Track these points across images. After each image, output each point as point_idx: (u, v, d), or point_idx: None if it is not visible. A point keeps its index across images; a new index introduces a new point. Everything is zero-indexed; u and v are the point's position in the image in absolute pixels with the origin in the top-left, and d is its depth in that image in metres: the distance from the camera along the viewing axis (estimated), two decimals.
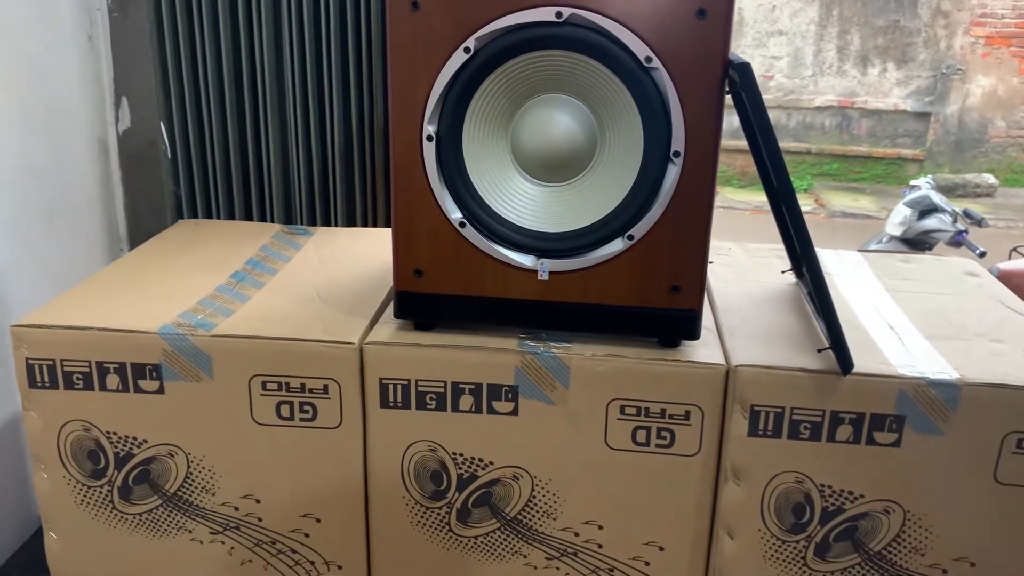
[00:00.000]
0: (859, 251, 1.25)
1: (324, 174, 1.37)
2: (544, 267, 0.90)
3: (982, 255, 3.06)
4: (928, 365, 0.88)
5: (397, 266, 0.92)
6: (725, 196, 6.03)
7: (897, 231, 3.34)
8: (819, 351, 0.90)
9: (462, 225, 0.89)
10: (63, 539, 1.00)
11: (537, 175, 0.90)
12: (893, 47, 6.31)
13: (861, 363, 0.86)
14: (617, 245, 0.88)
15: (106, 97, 1.48)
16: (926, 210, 3.29)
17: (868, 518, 0.90)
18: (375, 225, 1.38)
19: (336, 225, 1.38)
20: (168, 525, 0.98)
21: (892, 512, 0.89)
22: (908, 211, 3.34)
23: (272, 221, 1.40)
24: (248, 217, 1.41)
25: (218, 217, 1.41)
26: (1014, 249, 3.21)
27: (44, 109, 1.33)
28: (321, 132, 1.35)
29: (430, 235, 0.90)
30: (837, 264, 1.18)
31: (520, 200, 0.90)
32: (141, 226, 1.54)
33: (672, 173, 0.86)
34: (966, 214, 3.36)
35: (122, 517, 0.98)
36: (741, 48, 6.33)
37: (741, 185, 6.18)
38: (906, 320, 1.00)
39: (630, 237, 0.88)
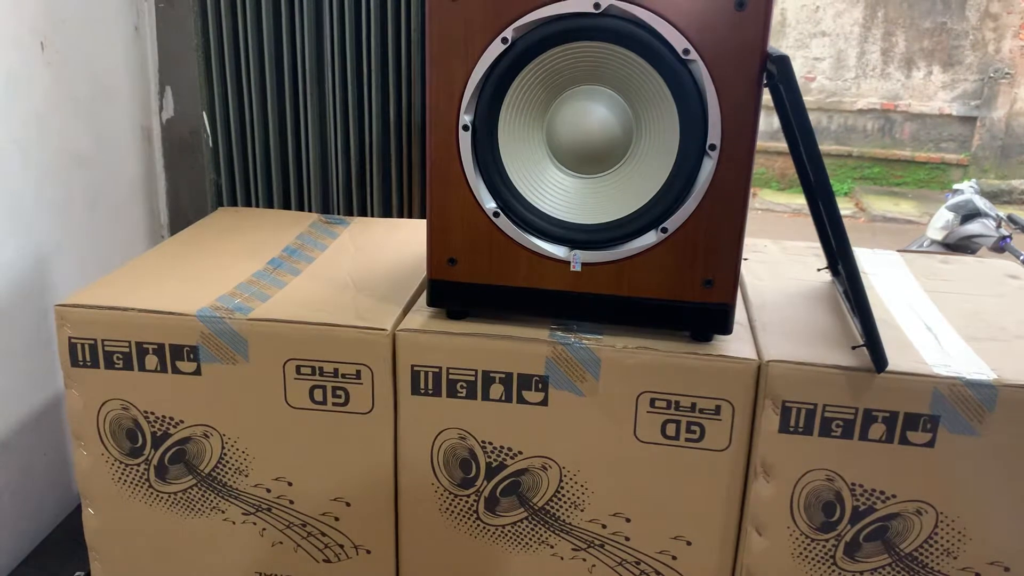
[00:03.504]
0: (899, 251, 1.23)
1: (361, 165, 1.38)
2: (577, 258, 0.90)
3: None
4: (965, 365, 0.87)
5: (431, 254, 0.93)
6: (764, 198, 5.97)
7: (939, 235, 3.29)
8: (853, 348, 0.89)
9: (496, 215, 0.90)
10: (101, 515, 1.02)
11: (572, 166, 0.90)
12: (939, 50, 6.20)
13: (896, 362, 0.85)
14: (651, 238, 0.88)
15: (151, 87, 1.51)
16: (969, 215, 3.23)
17: (900, 519, 0.89)
18: (411, 216, 1.40)
19: (372, 216, 1.40)
20: (202, 505, 1.00)
21: (924, 513, 0.88)
22: (950, 215, 3.28)
23: (310, 211, 1.42)
24: (286, 206, 1.43)
25: (257, 206, 1.43)
26: None
27: (90, 98, 1.36)
28: (359, 124, 1.37)
29: (464, 224, 0.91)
30: (874, 263, 1.17)
31: (554, 191, 0.91)
32: (182, 213, 1.57)
33: (708, 166, 0.85)
34: (1011, 219, 3.29)
35: (158, 495, 1.00)
36: (783, 49, 6.25)
37: (780, 188, 6.12)
38: (943, 320, 0.98)
39: (664, 230, 0.88)
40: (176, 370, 0.95)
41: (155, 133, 1.53)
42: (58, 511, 1.34)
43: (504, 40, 0.85)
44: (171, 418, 0.97)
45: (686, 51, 0.82)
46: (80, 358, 0.96)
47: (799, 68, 6.30)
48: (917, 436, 0.86)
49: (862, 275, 1.11)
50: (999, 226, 3.25)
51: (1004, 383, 0.84)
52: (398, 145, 1.37)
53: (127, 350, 0.95)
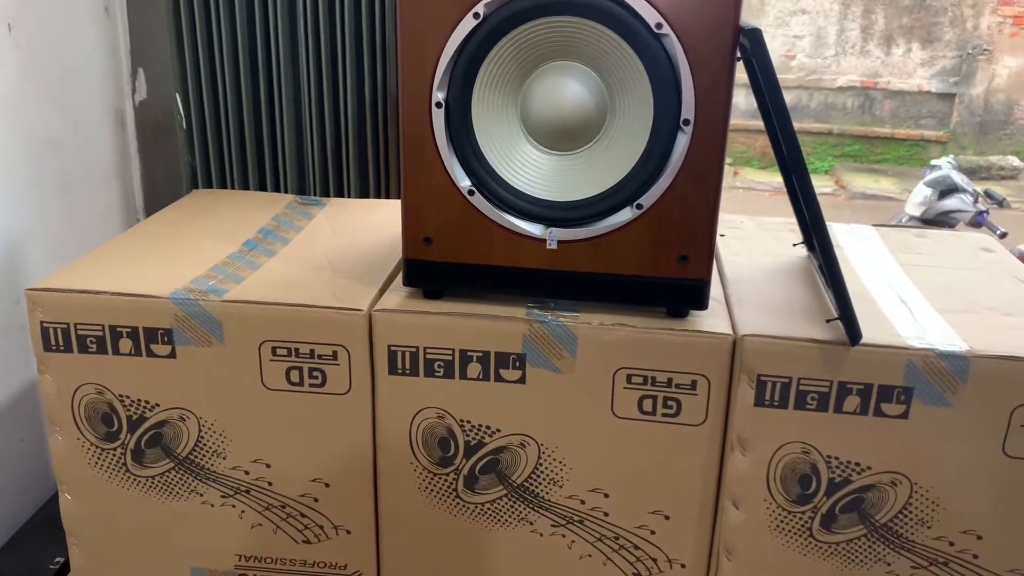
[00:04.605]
0: (875, 226, 1.24)
1: (337, 145, 1.37)
2: (553, 236, 0.90)
3: (1003, 236, 3.03)
4: (938, 337, 0.87)
5: (406, 234, 0.92)
6: (745, 177, 5.99)
7: (917, 211, 3.31)
8: (827, 321, 0.89)
9: (471, 193, 0.90)
10: (78, 500, 1.01)
11: (547, 143, 0.90)
12: (918, 27, 6.22)
13: (870, 334, 0.86)
14: (626, 214, 0.88)
15: (123, 68, 1.49)
16: (947, 190, 3.25)
17: (875, 490, 0.90)
18: (388, 196, 1.39)
19: (349, 196, 1.39)
20: (180, 488, 1.00)
21: (899, 484, 0.89)
22: (928, 191, 3.30)
23: (286, 192, 1.41)
24: (262, 187, 1.42)
25: (233, 187, 1.42)
26: None
27: (61, 80, 1.34)
28: (335, 103, 1.35)
29: (439, 203, 0.90)
30: (850, 238, 1.17)
31: (529, 168, 0.90)
32: (157, 196, 1.55)
33: (682, 142, 0.85)
34: (987, 195, 3.32)
35: (135, 479, 1.00)
36: (763, 27, 6.25)
37: (761, 166, 6.13)
38: (918, 293, 0.99)
39: (639, 206, 0.88)
40: (151, 353, 0.94)
41: (128, 115, 1.52)
42: (36, 497, 1.34)
43: (476, 15, 0.84)
44: (147, 402, 0.96)
45: (659, 25, 0.82)
46: (53, 343, 0.95)
47: (779, 46, 6.31)
48: (891, 408, 0.87)
49: (838, 250, 1.11)
50: (976, 201, 3.27)
51: (976, 354, 0.84)
52: (374, 124, 1.36)
53: (100, 334, 0.94)
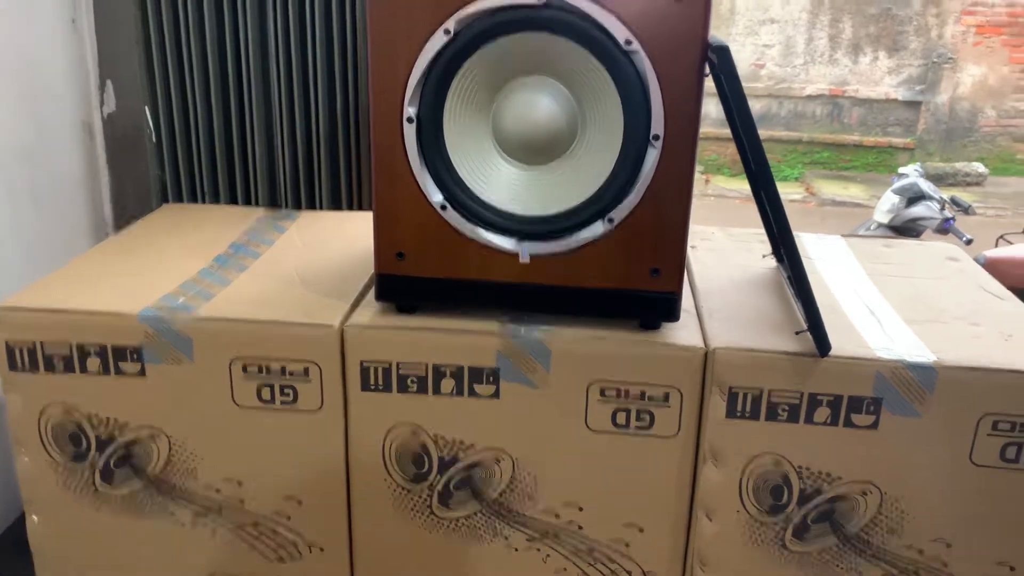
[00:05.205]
0: (844, 236, 1.25)
1: (309, 157, 1.37)
2: (525, 250, 0.90)
3: (969, 242, 3.08)
4: (906, 348, 0.89)
5: (378, 248, 0.92)
6: (716, 184, 6.04)
7: (885, 218, 3.35)
8: (797, 333, 0.90)
9: (443, 208, 0.89)
10: (45, 522, 1.00)
11: (518, 158, 0.90)
12: (885, 35, 6.31)
13: (839, 345, 0.87)
14: (598, 228, 0.89)
15: (91, 80, 1.47)
16: (914, 197, 3.30)
17: (846, 500, 0.90)
18: (360, 208, 1.38)
19: (321, 208, 1.38)
20: (151, 508, 0.98)
21: (869, 494, 0.90)
22: (896, 198, 3.35)
23: (257, 205, 1.40)
24: (233, 201, 1.41)
25: (203, 201, 1.40)
26: (1001, 236, 3.23)
27: (28, 92, 1.32)
28: (306, 115, 1.35)
29: (411, 218, 0.90)
30: (819, 248, 1.19)
31: (501, 183, 0.91)
32: (126, 210, 1.54)
33: (652, 156, 0.86)
34: (953, 202, 3.37)
35: (104, 500, 0.98)
36: (732, 36, 6.33)
37: (732, 174, 6.18)
38: (886, 303, 1.00)
39: (610, 220, 0.88)
40: (120, 371, 0.93)
41: (97, 128, 1.50)
42: (4, 518, 1.31)
43: (447, 31, 0.84)
44: (116, 421, 0.95)
45: (628, 41, 0.82)
46: (19, 362, 0.93)
47: (749, 55, 6.37)
48: (861, 419, 0.87)
49: (807, 260, 1.13)
50: (943, 208, 3.32)
51: (943, 365, 0.86)
52: (346, 136, 1.35)
53: (68, 353, 0.93)
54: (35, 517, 1.00)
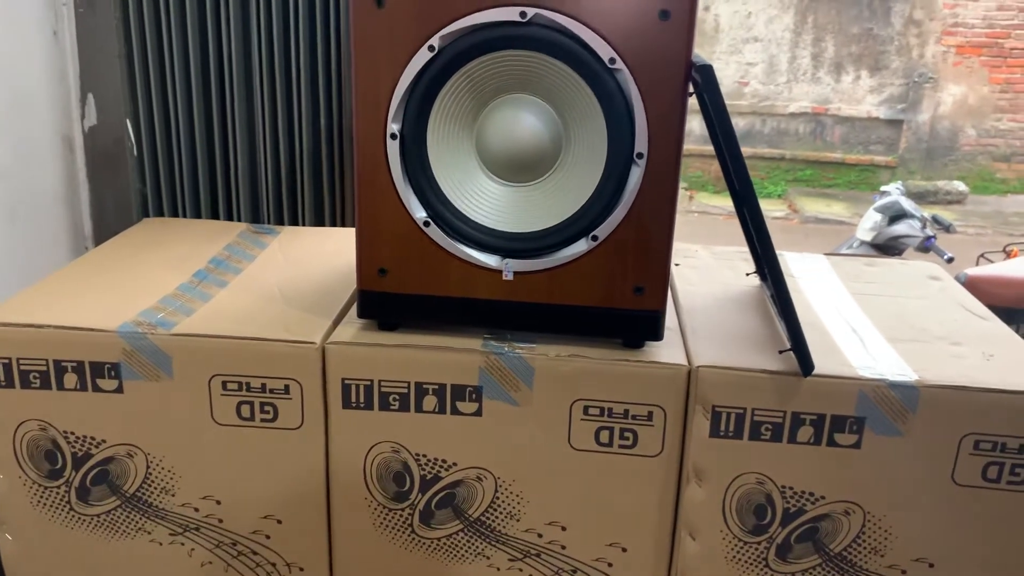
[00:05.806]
0: (826, 255, 1.26)
1: (292, 173, 1.36)
2: (509, 267, 0.90)
3: (950, 260, 3.11)
4: (888, 367, 0.89)
5: (361, 265, 0.91)
6: (700, 201, 6.07)
7: (867, 236, 3.38)
8: (780, 352, 0.90)
9: (426, 224, 0.89)
10: (19, 540, 0.98)
11: (502, 175, 0.90)
12: (867, 55, 6.38)
13: (822, 365, 0.87)
14: (581, 246, 0.88)
15: (72, 94, 1.46)
16: (896, 216, 3.33)
17: (829, 519, 0.90)
18: (343, 224, 1.38)
19: (304, 224, 1.38)
20: (127, 526, 0.97)
21: (852, 513, 0.90)
22: (878, 216, 3.38)
23: (239, 220, 1.39)
24: (215, 216, 1.40)
25: (185, 216, 1.39)
26: (982, 255, 3.25)
27: (8, 106, 1.31)
28: (289, 131, 1.34)
29: (394, 234, 0.90)
30: (802, 267, 1.19)
31: (485, 200, 0.90)
32: (107, 225, 1.52)
33: (635, 174, 0.86)
34: (935, 220, 3.40)
35: (80, 518, 0.97)
36: (716, 54, 6.38)
37: (716, 190, 6.22)
38: (868, 322, 1.00)
39: (594, 238, 0.88)
40: (97, 388, 0.92)
41: (77, 142, 1.49)
42: None
43: (431, 48, 0.84)
44: (92, 438, 0.94)
45: (612, 60, 0.82)
46: None
47: (733, 73, 6.43)
48: (844, 438, 0.87)
49: (789, 279, 1.13)
50: (924, 227, 3.35)
51: (925, 384, 0.86)
52: (329, 151, 1.35)
53: (44, 368, 0.91)
54: (8, 536, 0.98)
